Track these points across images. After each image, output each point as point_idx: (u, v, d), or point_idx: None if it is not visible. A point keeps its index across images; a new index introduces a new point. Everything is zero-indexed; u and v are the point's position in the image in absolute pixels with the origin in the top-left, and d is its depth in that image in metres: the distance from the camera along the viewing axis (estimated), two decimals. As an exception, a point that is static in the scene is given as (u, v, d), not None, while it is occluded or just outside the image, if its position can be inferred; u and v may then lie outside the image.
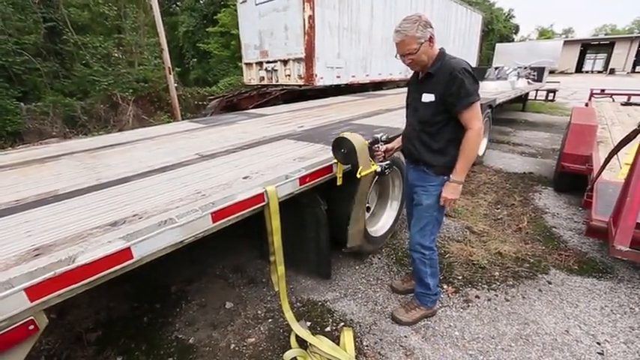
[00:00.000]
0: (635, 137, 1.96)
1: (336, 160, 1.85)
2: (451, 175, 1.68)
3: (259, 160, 2.04)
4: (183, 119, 9.06)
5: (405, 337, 1.86)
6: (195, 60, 19.60)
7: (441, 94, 1.59)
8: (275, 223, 1.59)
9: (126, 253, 1.13)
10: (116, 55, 11.96)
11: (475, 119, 1.58)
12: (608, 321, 1.95)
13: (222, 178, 1.73)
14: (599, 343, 1.79)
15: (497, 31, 27.58)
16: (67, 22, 10.52)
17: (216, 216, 1.37)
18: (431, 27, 1.58)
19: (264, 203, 1.55)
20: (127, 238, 1.15)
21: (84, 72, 10.46)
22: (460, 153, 1.63)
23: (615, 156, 2.52)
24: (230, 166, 1.95)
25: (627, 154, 2.85)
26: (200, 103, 11.69)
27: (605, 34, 50.96)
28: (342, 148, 1.73)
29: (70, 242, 1.15)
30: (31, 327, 0.99)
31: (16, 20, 9.28)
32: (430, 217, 1.80)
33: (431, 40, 1.58)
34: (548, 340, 1.82)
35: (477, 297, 2.17)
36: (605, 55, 33.33)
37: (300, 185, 1.73)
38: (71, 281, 1.02)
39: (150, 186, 1.68)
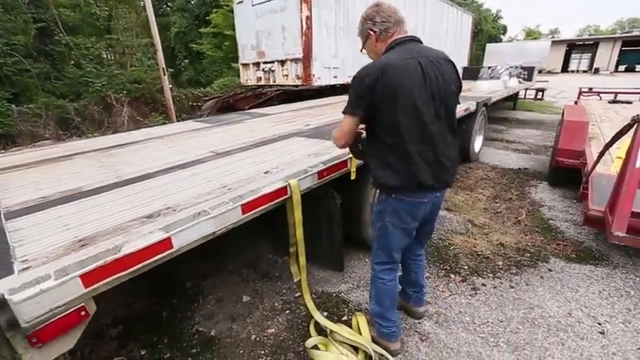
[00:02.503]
0: (627, 132, 2.09)
1: (351, 155, 1.93)
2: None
3: (275, 156, 2.11)
4: (178, 120, 9.03)
5: (419, 323, 1.95)
6: (187, 61, 19.45)
7: None
8: (297, 215, 1.66)
9: (166, 243, 1.19)
10: (106, 55, 11.85)
11: (339, 127, 1.47)
12: (607, 303, 2.08)
13: (243, 173, 1.79)
14: (599, 324, 1.91)
15: (485, 31, 28.05)
16: (57, 22, 10.36)
17: (245, 208, 1.44)
18: (371, 21, 1.42)
19: (287, 196, 1.62)
20: (165, 229, 1.21)
21: (76, 73, 10.34)
22: None
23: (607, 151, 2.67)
24: (247, 162, 2.02)
25: (618, 149, 3.01)
26: (194, 104, 11.63)
27: (589, 35, 52.37)
28: (359, 143, 1.81)
29: (111, 233, 1.20)
30: (83, 313, 1.04)
31: (5, 21, 9.11)
32: (373, 237, 1.64)
33: (372, 36, 1.43)
34: (553, 322, 1.93)
35: (484, 285, 2.28)
36: (590, 54, 34.28)
37: (319, 179, 1.81)
38: (118, 269, 1.08)
39: (173, 182, 1.73)
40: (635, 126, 1.93)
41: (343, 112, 1.43)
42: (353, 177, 2.02)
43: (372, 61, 1.46)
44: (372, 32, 1.42)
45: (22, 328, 0.90)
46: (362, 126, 1.66)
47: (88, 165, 2.20)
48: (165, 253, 1.19)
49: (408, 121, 1.33)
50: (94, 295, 1.07)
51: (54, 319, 0.96)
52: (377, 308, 1.71)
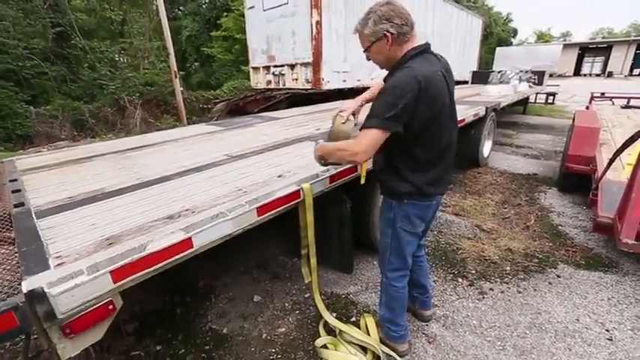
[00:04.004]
0: (638, 138, 2.09)
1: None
2: (320, 141, 1.56)
3: (288, 160, 2.17)
4: (188, 122, 9.22)
5: (427, 325, 1.98)
6: (197, 64, 19.81)
7: None
8: (309, 218, 1.72)
9: (187, 242, 1.26)
10: (119, 59, 12.17)
11: (360, 140, 1.29)
12: (616, 310, 2.08)
13: (257, 176, 1.86)
14: (607, 330, 1.92)
15: (495, 34, 27.87)
16: (74, 26, 10.68)
17: (261, 211, 1.50)
18: (389, 21, 1.27)
19: (300, 199, 1.68)
20: (186, 229, 1.28)
21: (90, 76, 10.64)
22: (335, 144, 1.46)
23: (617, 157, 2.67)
24: (261, 165, 2.08)
25: (629, 155, 2.99)
26: (205, 106, 11.84)
27: (603, 38, 51.45)
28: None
29: (136, 233, 1.28)
30: (110, 307, 1.11)
31: (25, 25, 9.44)
32: (384, 245, 1.62)
33: (388, 38, 1.30)
34: (560, 328, 1.94)
35: (491, 289, 2.30)
36: (603, 58, 33.65)
37: (330, 183, 1.86)
38: (144, 267, 1.15)
39: (191, 184, 1.81)
40: (645, 133, 1.94)
41: (370, 126, 1.26)
42: (363, 181, 2.06)
43: (381, 69, 1.45)
44: (388, 34, 1.29)
45: (57, 319, 0.97)
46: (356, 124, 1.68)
47: (108, 167, 2.29)
48: (186, 253, 1.26)
49: (443, 134, 1.38)
50: (120, 291, 1.14)
51: (85, 311, 1.03)
52: (388, 315, 1.74)
